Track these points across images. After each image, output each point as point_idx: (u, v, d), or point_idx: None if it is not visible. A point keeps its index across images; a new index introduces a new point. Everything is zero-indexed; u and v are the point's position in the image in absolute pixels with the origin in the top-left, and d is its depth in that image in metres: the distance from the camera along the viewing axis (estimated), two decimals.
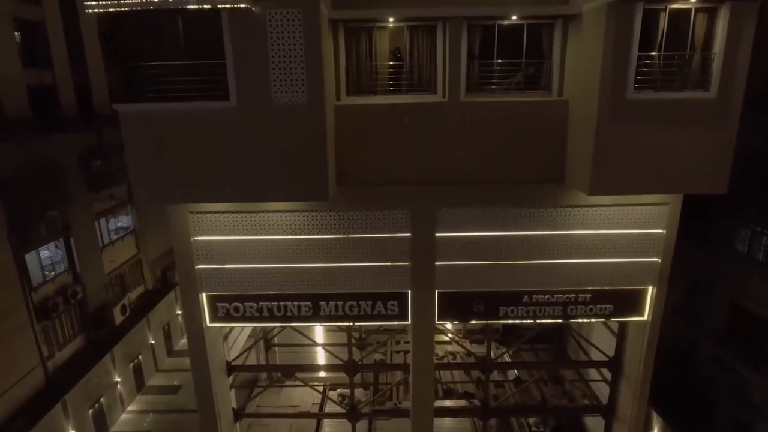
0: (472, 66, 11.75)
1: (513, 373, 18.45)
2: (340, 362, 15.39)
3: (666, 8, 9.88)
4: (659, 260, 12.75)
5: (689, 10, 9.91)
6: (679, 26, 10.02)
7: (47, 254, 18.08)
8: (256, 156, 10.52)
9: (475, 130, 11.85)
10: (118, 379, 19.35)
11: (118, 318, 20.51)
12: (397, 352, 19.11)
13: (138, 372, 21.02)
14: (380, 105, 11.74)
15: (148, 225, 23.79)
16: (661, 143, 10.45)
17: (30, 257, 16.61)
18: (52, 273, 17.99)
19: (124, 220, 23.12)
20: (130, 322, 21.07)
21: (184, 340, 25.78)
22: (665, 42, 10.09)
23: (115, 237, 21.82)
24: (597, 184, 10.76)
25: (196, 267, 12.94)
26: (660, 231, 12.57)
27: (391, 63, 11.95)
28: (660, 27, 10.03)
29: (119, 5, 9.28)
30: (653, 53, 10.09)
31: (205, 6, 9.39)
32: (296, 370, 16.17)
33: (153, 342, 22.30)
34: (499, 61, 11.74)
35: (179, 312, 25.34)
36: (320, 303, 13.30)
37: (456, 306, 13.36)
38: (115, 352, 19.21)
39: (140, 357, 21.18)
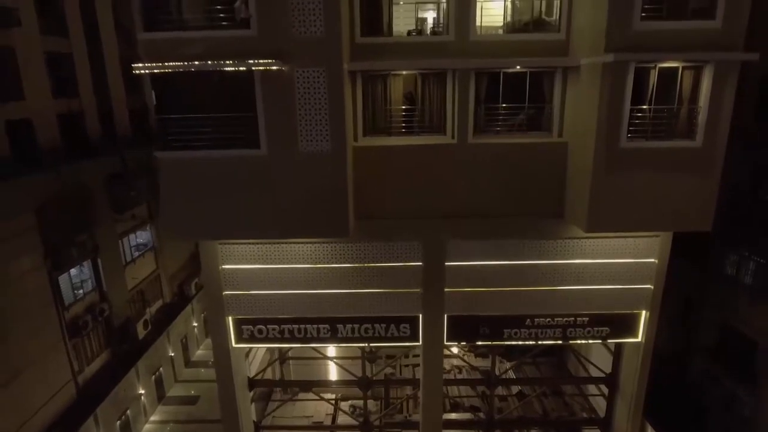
0: (478, 109, 12.81)
1: (516, 387, 19.47)
2: (354, 378, 16.42)
3: (656, 66, 10.92)
4: (651, 287, 13.82)
5: (677, 68, 10.95)
6: (668, 82, 11.06)
7: (75, 272, 19.13)
8: (283, 198, 11.60)
9: (482, 168, 12.93)
10: (142, 391, 20.42)
11: (141, 333, 21.59)
12: (406, 365, 20.13)
13: (159, 383, 22.08)
14: (395, 146, 12.80)
15: (166, 242, 24.88)
16: (652, 186, 11.52)
17: (62, 278, 17.71)
18: (81, 291, 19.07)
19: (143, 236, 24.18)
20: (151, 336, 22.14)
21: (200, 351, 26.88)
22: (655, 96, 11.14)
23: (136, 254, 22.89)
24: (593, 223, 11.84)
25: (223, 293, 13.96)
26: (652, 260, 13.63)
27: (404, 107, 13.01)
28: (650, 83, 11.09)
29: (164, 68, 10.33)
30: (644, 107, 11.13)
31: (241, 68, 10.43)
32: (313, 386, 17.22)
33: (172, 354, 23.37)
34: (504, 105, 12.79)
35: (195, 324, 26.44)
36: (338, 325, 14.36)
37: (464, 328, 14.44)
38: (138, 365, 20.27)
39: (161, 369, 22.24)
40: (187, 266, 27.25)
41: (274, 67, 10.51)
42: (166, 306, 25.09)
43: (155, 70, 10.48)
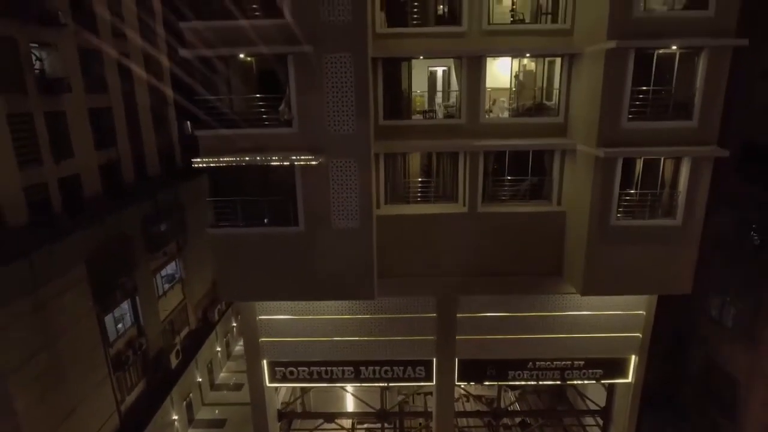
0: (487, 180, 14.52)
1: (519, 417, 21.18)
2: (372, 410, 18.18)
3: (641, 157, 12.62)
4: (640, 335, 15.56)
5: (659, 159, 12.65)
6: (652, 170, 12.77)
7: (117, 310, 20.86)
8: (317, 267, 13.31)
9: (490, 232, 14.62)
10: (176, 417, 22.21)
11: (174, 362, 23.37)
12: (418, 393, 21.85)
13: (189, 408, 23.88)
14: (413, 215, 14.50)
15: (192, 272, 26.66)
16: (639, 257, 13.24)
17: (107, 318, 19.46)
18: (121, 326, 20.81)
19: (171, 268, 25.92)
20: (181, 365, 23.92)
21: (223, 374, 28.68)
22: (641, 181, 12.84)
23: (167, 286, 24.65)
24: (588, 288, 13.57)
25: (259, 339, 15.71)
26: (641, 312, 15.36)
27: (420, 179, 14.75)
28: (637, 170, 12.79)
29: (219, 162, 12.06)
30: (632, 191, 12.83)
31: (285, 163, 12.16)
32: (335, 417, 18.96)
33: (200, 380, 25.16)
34: (509, 177, 14.51)
35: (218, 349, 28.24)
36: (360, 368, 16.13)
37: (473, 370, 16.21)
38: (172, 393, 22.06)
39: (191, 395, 24.03)
40: (209, 293, 29.03)
41: (313, 162, 12.21)
42: (192, 332, 26.86)
43: (211, 164, 12.20)
